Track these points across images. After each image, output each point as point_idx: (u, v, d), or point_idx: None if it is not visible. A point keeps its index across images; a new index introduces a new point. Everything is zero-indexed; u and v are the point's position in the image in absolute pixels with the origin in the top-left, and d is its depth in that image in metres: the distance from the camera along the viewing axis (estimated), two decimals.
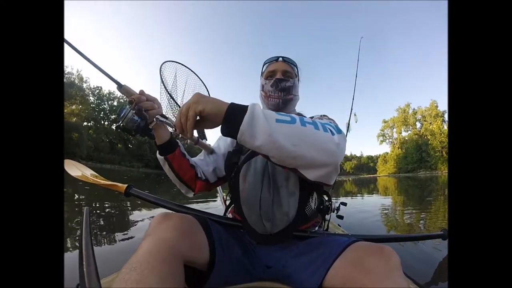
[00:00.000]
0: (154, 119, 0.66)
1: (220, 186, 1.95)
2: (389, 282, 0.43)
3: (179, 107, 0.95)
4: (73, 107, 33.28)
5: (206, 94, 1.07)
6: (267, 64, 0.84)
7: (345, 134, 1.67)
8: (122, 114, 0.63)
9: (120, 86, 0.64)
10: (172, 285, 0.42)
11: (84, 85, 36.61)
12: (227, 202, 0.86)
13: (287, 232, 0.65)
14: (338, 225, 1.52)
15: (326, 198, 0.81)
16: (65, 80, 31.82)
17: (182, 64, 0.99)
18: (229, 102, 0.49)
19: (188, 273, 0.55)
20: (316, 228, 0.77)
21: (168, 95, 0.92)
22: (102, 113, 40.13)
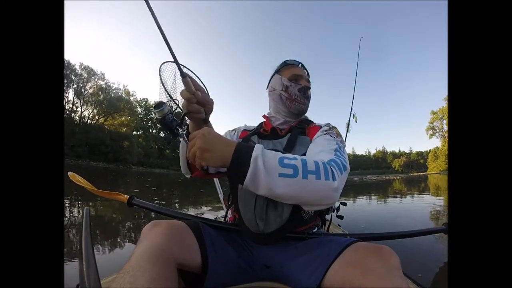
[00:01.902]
0: (180, 134, 0.69)
1: (219, 187, 1.96)
2: (389, 282, 0.43)
3: (179, 107, 0.95)
4: (123, 118, 36.74)
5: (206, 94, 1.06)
6: (288, 66, 0.85)
7: (346, 134, 1.68)
8: (159, 109, 0.67)
9: (184, 76, 0.63)
10: (163, 285, 0.44)
11: (131, 98, 40.20)
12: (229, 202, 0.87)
13: (280, 233, 0.65)
14: (338, 225, 1.52)
15: None
16: (112, 95, 35.82)
17: (182, 65, 0.99)
18: (233, 149, 0.53)
19: (186, 277, 0.57)
20: (315, 230, 0.77)
21: (168, 95, 0.92)
22: (150, 122, 43.67)
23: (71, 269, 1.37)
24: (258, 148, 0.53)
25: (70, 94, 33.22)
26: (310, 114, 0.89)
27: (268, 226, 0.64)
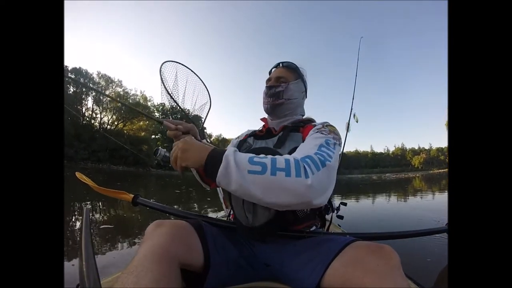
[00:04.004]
0: None
1: (220, 188, 1.96)
2: (389, 282, 0.43)
3: (179, 107, 0.96)
4: (141, 123, 38.43)
5: (206, 94, 1.07)
6: (271, 71, 0.90)
7: (346, 134, 1.68)
8: (157, 155, 0.77)
9: (161, 123, 0.79)
10: (167, 285, 0.44)
11: (149, 103, 41.66)
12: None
13: (270, 228, 0.65)
14: (338, 225, 1.52)
15: None
16: (130, 101, 37.34)
17: (183, 64, 0.99)
18: (209, 151, 0.57)
19: (188, 276, 0.57)
20: (313, 228, 0.77)
21: (169, 95, 0.92)
22: None
23: (71, 269, 1.37)
24: (230, 150, 0.56)
25: (89, 102, 35.23)
26: (310, 114, 0.89)
27: (256, 219, 0.65)
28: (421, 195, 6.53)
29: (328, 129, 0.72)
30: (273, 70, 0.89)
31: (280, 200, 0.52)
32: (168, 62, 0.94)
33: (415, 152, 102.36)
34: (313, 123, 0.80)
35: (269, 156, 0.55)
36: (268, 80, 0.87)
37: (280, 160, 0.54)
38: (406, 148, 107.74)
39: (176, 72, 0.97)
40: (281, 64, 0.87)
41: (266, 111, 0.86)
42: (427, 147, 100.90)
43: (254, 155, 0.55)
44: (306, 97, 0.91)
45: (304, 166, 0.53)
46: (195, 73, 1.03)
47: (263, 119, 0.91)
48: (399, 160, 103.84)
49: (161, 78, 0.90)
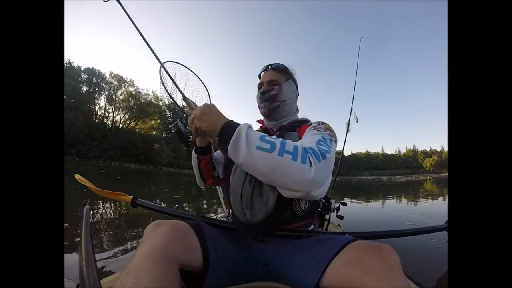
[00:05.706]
0: (191, 141, 0.87)
1: (220, 188, 1.96)
2: (389, 281, 0.43)
3: (179, 106, 0.96)
4: (153, 122, 39.09)
5: (206, 94, 1.07)
6: (260, 74, 0.91)
7: (346, 134, 1.68)
8: (173, 124, 0.85)
9: (185, 98, 0.83)
10: (166, 285, 0.45)
11: (160, 103, 41.56)
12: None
13: (267, 224, 0.65)
14: (338, 225, 1.52)
15: (323, 200, 0.81)
16: (142, 100, 38.09)
17: (182, 64, 0.99)
18: (226, 121, 0.59)
19: (187, 276, 0.58)
20: (312, 227, 0.77)
21: (168, 95, 0.92)
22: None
23: (71, 269, 1.37)
24: (245, 124, 0.58)
25: (102, 101, 35.85)
26: (309, 115, 0.89)
27: (254, 215, 0.65)
28: (424, 198, 6.54)
29: (324, 126, 0.73)
30: (262, 74, 0.89)
31: (282, 182, 0.53)
32: (167, 62, 0.94)
33: (427, 154, 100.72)
34: (308, 123, 0.82)
35: (280, 139, 0.57)
36: (260, 85, 0.88)
37: (290, 143, 0.56)
38: (417, 150, 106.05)
39: (175, 72, 0.97)
40: (269, 67, 0.88)
41: (264, 115, 0.87)
42: (439, 149, 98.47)
43: (266, 134, 0.57)
44: (298, 95, 0.92)
45: (308, 156, 0.55)
46: (194, 73, 1.03)
47: (259, 121, 0.92)
48: (410, 162, 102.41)
49: (161, 78, 0.90)
